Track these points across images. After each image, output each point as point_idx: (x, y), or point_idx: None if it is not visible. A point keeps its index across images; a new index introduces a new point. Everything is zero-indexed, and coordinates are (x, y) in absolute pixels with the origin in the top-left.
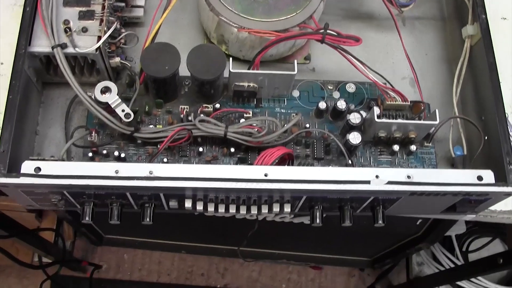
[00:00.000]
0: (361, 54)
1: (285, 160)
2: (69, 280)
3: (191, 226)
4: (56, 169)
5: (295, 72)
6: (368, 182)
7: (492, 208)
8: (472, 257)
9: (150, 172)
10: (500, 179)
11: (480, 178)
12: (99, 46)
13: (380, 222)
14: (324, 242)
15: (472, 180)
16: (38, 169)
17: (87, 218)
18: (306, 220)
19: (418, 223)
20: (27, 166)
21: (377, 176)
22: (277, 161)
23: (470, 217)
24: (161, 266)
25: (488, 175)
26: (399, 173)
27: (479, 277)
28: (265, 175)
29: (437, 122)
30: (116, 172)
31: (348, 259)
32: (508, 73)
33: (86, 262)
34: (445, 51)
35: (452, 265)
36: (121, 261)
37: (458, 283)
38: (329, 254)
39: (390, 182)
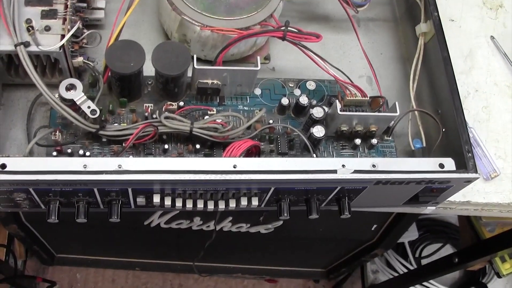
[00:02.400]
0: (320, 54)
1: (252, 154)
2: None
3: (146, 241)
4: (22, 165)
5: (259, 68)
6: (335, 171)
7: (452, 199)
8: (425, 262)
9: (119, 166)
10: (460, 167)
11: (441, 165)
12: (63, 44)
13: (346, 213)
14: (279, 253)
15: (434, 168)
16: (3, 165)
17: (53, 217)
18: (262, 229)
19: (373, 228)
20: None
21: (343, 166)
22: (244, 153)
23: (430, 209)
24: (115, 284)
25: (449, 163)
26: (365, 162)
27: (433, 282)
28: (234, 166)
29: (397, 114)
30: (85, 166)
31: (303, 271)
32: (456, 72)
33: (41, 278)
34: (399, 50)
35: (406, 271)
36: (74, 280)
37: None
38: (284, 266)
39: (356, 171)
